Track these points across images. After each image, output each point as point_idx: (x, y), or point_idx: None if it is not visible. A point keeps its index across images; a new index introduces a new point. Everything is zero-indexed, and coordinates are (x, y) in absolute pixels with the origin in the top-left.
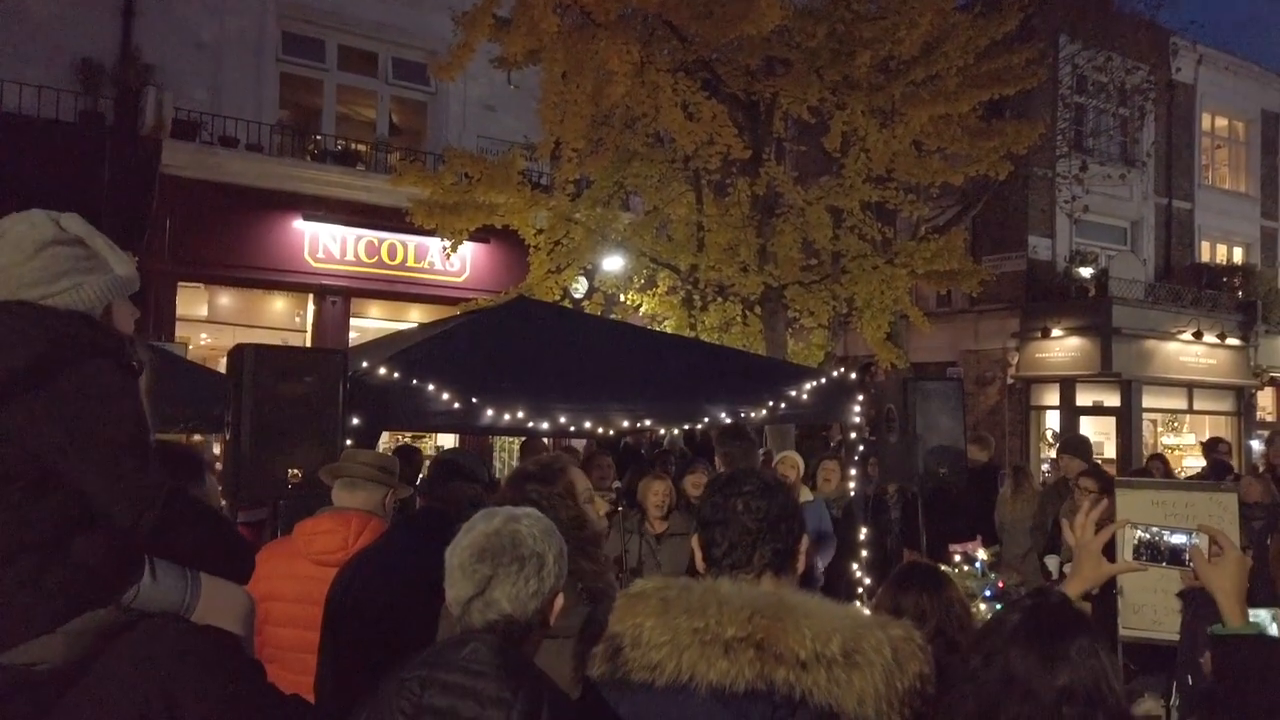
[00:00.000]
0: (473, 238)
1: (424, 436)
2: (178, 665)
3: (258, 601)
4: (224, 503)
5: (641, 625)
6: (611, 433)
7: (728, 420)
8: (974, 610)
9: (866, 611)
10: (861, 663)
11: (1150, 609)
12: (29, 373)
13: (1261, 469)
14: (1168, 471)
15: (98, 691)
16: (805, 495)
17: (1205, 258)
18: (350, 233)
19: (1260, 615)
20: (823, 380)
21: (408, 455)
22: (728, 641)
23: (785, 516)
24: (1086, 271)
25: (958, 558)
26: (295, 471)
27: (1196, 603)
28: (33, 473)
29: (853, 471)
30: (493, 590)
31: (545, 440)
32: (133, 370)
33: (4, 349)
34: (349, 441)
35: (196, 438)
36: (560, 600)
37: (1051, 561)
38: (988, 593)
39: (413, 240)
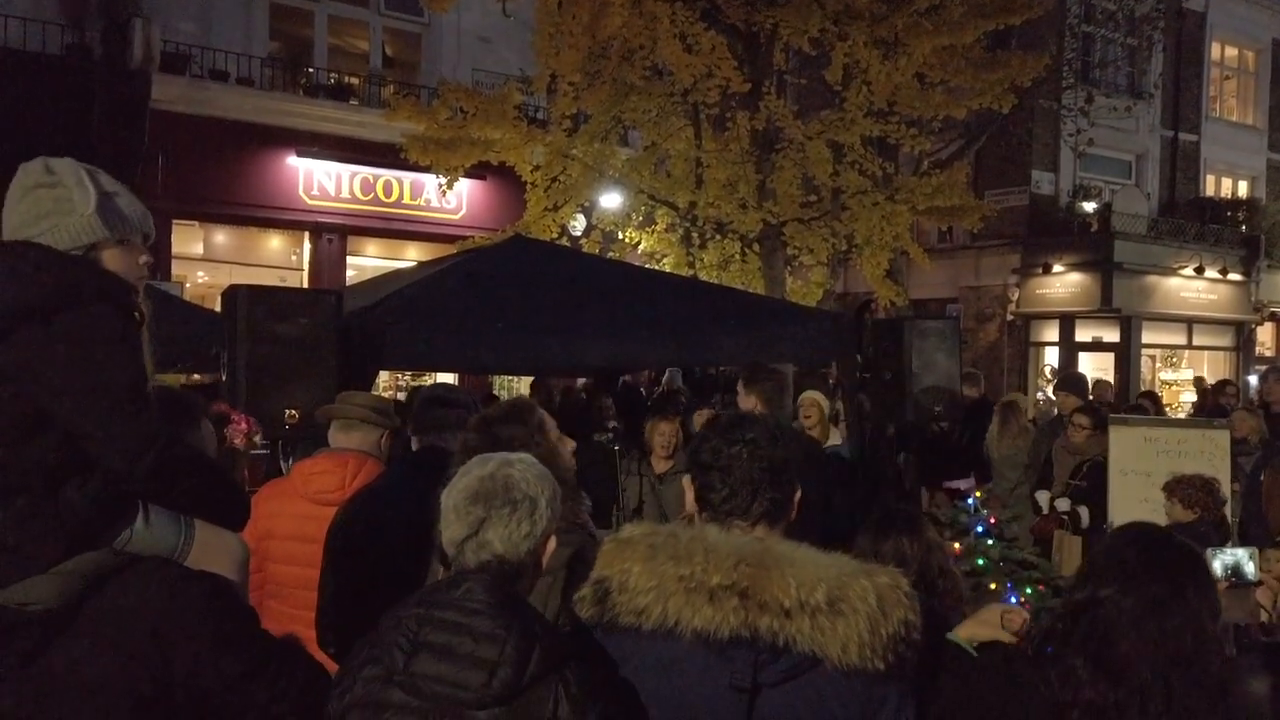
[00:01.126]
0: (469, 174)
1: (423, 375)
2: (169, 608)
3: (258, 540)
4: (239, 441)
5: (629, 570)
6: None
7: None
8: (966, 544)
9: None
10: (846, 610)
11: None
12: (29, 312)
13: (1256, 404)
14: (1158, 409)
15: (91, 633)
16: (835, 439)
17: (1210, 191)
18: (345, 169)
19: (1239, 554)
20: (819, 320)
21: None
22: (713, 589)
23: (787, 466)
24: (1089, 206)
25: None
26: (292, 412)
27: (1181, 536)
28: (27, 413)
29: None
30: (485, 532)
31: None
32: (135, 319)
33: (5, 286)
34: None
35: (196, 377)
36: (553, 543)
37: (1042, 497)
38: (979, 528)
39: (408, 177)
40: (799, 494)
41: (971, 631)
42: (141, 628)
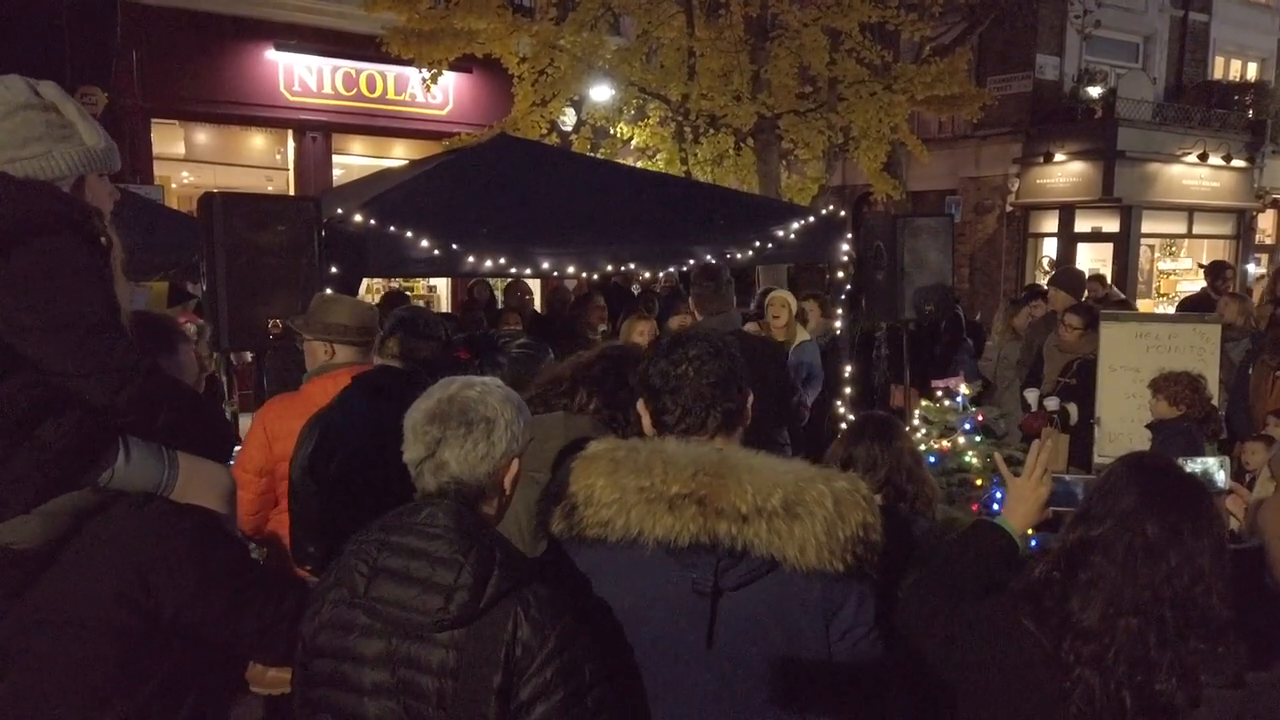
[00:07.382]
0: (454, 68)
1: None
2: (151, 544)
3: (278, 461)
4: (213, 361)
5: (593, 485)
6: (595, 276)
7: (713, 261)
8: (953, 442)
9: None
10: (802, 514)
11: (1126, 437)
12: None
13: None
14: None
15: (75, 571)
16: (802, 335)
17: (1219, 74)
18: (326, 63)
19: (1209, 463)
20: (810, 219)
21: (396, 301)
22: (671, 499)
23: (735, 376)
24: (1095, 91)
25: (940, 392)
26: (275, 322)
27: (1164, 433)
28: None
29: (839, 310)
30: (442, 452)
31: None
32: (101, 246)
33: None
34: (328, 290)
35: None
36: (515, 466)
37: (1031, 394)
38: (967, 425)
39: (392, 71)
40: (751, 398)
41: (1025, 520)
42: (125, 563)
